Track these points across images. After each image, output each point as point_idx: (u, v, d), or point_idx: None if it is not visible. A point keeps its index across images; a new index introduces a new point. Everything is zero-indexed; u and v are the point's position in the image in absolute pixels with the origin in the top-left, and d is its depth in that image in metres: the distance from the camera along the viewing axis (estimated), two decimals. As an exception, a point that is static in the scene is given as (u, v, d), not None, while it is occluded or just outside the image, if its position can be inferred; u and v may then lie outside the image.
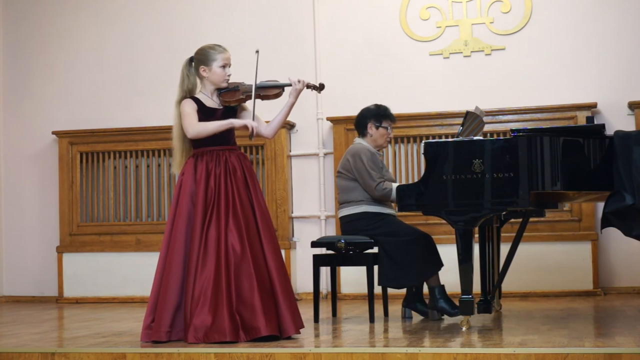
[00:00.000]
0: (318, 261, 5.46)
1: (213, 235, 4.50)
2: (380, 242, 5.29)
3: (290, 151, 7.53)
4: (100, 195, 7.83)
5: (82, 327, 5.49)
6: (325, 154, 7.47)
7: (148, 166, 7.78)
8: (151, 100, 7.79)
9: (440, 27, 7.35)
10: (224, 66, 4.69)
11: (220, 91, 4.73)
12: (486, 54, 7.25)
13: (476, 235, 4.94)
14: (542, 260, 6.88)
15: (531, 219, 5.30)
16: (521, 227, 5.07)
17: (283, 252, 6.92)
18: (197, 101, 4.68)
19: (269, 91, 4.73)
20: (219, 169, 4.62)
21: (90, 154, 7.83)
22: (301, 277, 7.38)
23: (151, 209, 7.74)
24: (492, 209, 4.65)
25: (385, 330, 4.86)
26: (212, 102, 4.71)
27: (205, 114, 4.64)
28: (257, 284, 4.44)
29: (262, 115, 4.81)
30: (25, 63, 8.12)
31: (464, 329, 4.66)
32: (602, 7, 7.09)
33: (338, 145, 7.32)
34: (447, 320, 5.23)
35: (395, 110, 5.65)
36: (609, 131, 4.87)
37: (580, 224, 6.93)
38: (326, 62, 7.52)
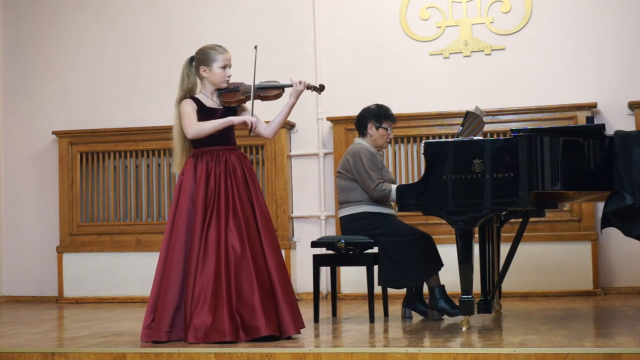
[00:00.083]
0: (318, 261, 5.46)
1: (213, 235, 4.50)
2: (380, 242, 5.29)
3: (290, 151, 7.53)
4: (100, 195, 7.83)
5: (82, 327, 5.49)
6: (325, 154, 7.47)
7: (148, 166, 7.78)
8: (151, 100, 7.79)
9: (440, 27, 7.35)
10: (224, 67, 4.69)
11: (220, 91, 4.73)
12: (486, 54, 7.25)
13: (476, 235, 4.94)
14: (542, 260, 6.88)
15: (531, 219, 5.30)
16: (521, 227, 5.07)
17: (283, 252, 6.92)
18: (197, 101, 4.68)
19: (269, 92, 4.73)
20: (219, 168, 4.62)
21: (90, 154, 7.83)
22: (301, 277, 7.38)
23: (151, 209, 7.74)
24: (492, 209, 4.65)
25: (385, 330, 4.86)
26: (212, 102, 4.71)
27: (205, 114, 4.64)
28: (257, 284, 4.44)
29: (262, 115, 4.81)
30: (25, 63, 8.12)
31: (464, 329, 4.66)
32: (602, 7, 7.09)
33: (338, 145, 7.32)
34: (447, 320, 5.23)
35: (395, 110, 5.65)
36: (609, 131, 4.87)
37: (580, 224, 6.93)
38: (326, 62, 7.52)
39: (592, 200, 5.52)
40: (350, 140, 7.14)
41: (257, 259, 4.52)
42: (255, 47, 4.69)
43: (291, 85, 4.72)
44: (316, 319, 5.35)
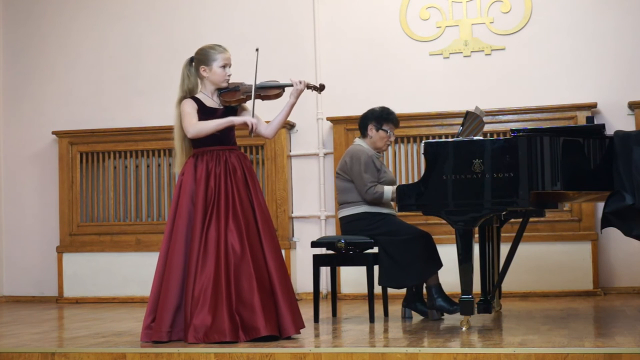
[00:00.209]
0: (318, 261, 5.46)
1: (213, 235, 4.50)
2: (380, 242, 5.29)
3: (290, 151, 7.53)
4: (100, 195, 7.83)
5: (82, 327, 5.49)
6: (325, 154, 7.47)
7: (148, 166, 7.78)
8: (151, 100, 7.79)
9: (440, 27, 7.35)
10: (224, 66, 4.69)
11: (221, 91, 4.73)
12: (486, 54, 7.25)
13: (476, 235, 4.94)
14: (542, 260, 6.88)
15: (531, 219, 5.30)
16: (521, 227, 5.07)
17: (283, 252, 6.91)
18: (198, 101, 4.68)
19: (270, 91, 4.73)
20: (219, 168, 4.62)
21: (90, 154, 7.83)
22: (301, 277, 7.38)
23: (151, 209, 7.74)
24: (492, 209, 4.65)
25: (385, 330, 4.86)
26: (212, 102, 4.72)
27: (205, 113, 4.64)
28: (257, 284, 4.44)
29: (262, 115, 4.81)
30: (25, 63, 8.12)
31: (464, 329, 4.66)
32: (602, 7, 7.09)
33: (338, 145, 7.32)
34: (447, 320, 5.23)
35: (395, 110, 5.64)
36: (609, 131, 4.87)
37: (580, 224, 6.93)
38: (326, 62, 7.52)
39: (592, 200, 5.52)
40: (350, 140, 7.14)
41: (257, 259, 4.52)
42: (257, 49, 4.69)
43: (291, 85, 4.72)
44: (316, 319, 5.35)
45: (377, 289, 5.35)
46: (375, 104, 5.68)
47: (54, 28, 8.08)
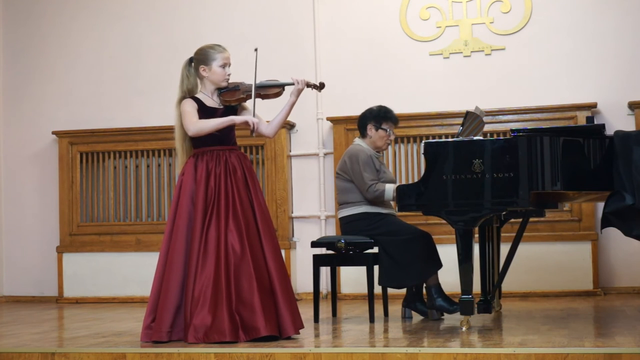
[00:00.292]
0: (318, 261, 5.46)
1: (213, 235, 4.50)
2: (381, 242, 5.29)
3: (290, 151, 7.53)
4: (100, 195, 7.83)
5: (82, 327, 5.49)
6: (325, 154, 7.47)
7: (148, 166, 7.78)
8: (151, 100, 7.79)
9: (440, 27, 7.35)
10: (223, 65, 4.69)
11: (221, 91, 4.73)
12: (486, 54, 7.25)
13: (476, 235, 4.94)
14: (542, 260, 6.88)
15: (531, 219, 5.30)
16: (521, 227, 5.07)
17: (283, 252, 6.92)
18: (198, 101, 4.68)
19: (270, 90, 4.73)
20: (219, 168, 4.62)
21: (90, 154, 7.83)
22: (301, 277, 7.38)
23: (151, 209, 7.74)
24: (492, 209, 4.65)
25: (385, 330, 4.86)
26: (212, 101, 4.72)
27: (205, 113, 4.64)
28: (256, 284, 4.44)
29: (262, 114, 4.80)
30: (25, 63, 8.12)
31: (464, 329, 4.66)
32: (602, 7, 7.09)
33: (338, 145, 7.32)
34: (447, 320, 5.23)
35: (395, 110, 5.65)
36: (609, 131, 4.87)
37: (580, 224, 6.93)
38: (326, 62, 7.52)
39: (592, 200, 5.52)
40: (350, 140, 7.15)
41: (257, 259, 4.52)
42: (256, 49, 4.69)
43: (291, 84, 4.73)
44: (316, 319, 5.35)
45: (377, 289, 5.35)
46: (375, 104, 5.68)
47: (54, 28, 8.08)
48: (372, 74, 7.44)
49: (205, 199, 4.57)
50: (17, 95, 8.12)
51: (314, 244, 5.51)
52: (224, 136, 4.67)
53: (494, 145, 4.64)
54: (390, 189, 5.28)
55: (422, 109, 7.26)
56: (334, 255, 5.44)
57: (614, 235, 6.51)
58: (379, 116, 5.51)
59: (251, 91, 4.65)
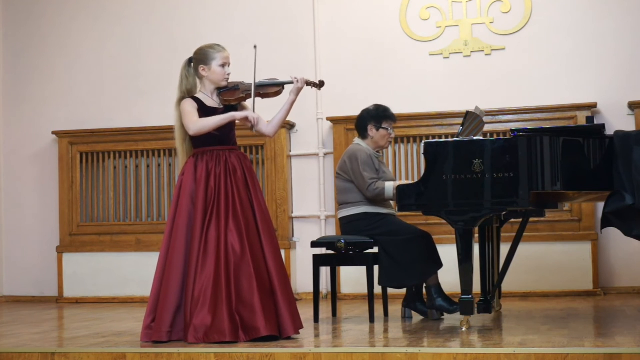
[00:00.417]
0: (318, 261, 5.46)
1: (213, 235, 4.50)
2: (381, 242, 5.29)
3: (290, 151, 7.53)
4: (100, 195, 7.83)
5: (82, 327, 5.49)
6: (325, 154, 7.47)
7: (148, 166, 7.78)
8: (151, 100, 7.79)
9: (440, 27, 7.35)
10: (223, 65, 4.69)
11: (220, 90, 4.73)
12: (486, 54, 7.25)
13: (476, 235, 4.94)
14: (542, 260, 6.88)
15: (531, 219, 5.30)
16: (521, 227, 5.06)
17: (283, 252, 6.93)
18: (197, 100, 4.68)
19: (269, 89, 4.73)
20: (219, 168, 4.62)
21: (90, 154, 7.83)
22: (301, 277, 7.38)
23: (151, 209, 7.74)
24: (492, 209, 4.65)
25: (385, 330, 4.86)
26: (212, 101, 4.72)
27: (205, 113, 4.64)
28: (256, 284, 4.44)
29: (262, 113, 4.80)
30: (25, 63, 8.12)
31: (464, 329, 4.66)
32: (602, 8, 7.09)
33: (338, 145, 7.32)
34: (447, 320, 5.22)
35: (395, 110, 5.65)
36: (609, 131, 4.87)
37: (580, 224, 6.93)
38: (326, 62, 7.52)
39: (592, 200, 5.52)
40: (350, 140, 7.14)
41: (257, 259, 4.52)
42: (255, 46, 4.69)
43: (291, 83, 4.73)
44: (316, 319, 5.35)
45: (377, 289, 5.35)
46: (375, 103, 5.67)
47: (54, 28, 8.08)
48: (372, 74, 7.44)
49: (205, 199, 4.57)
50: (17, 95, 8.12)
51: (314, 244, 5.51)
52: (224, 136, 4.67)
53: (494, 145, 4.64)
54: (390, 186, 5.28)
55: (422, 109, 7.26)
56: (334, 255, 5.44)
57: (614, 235, 6.51)
58: (379, 116, 5.51)
59: (251, 90, 4.65)
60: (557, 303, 6.21)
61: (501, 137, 5.61)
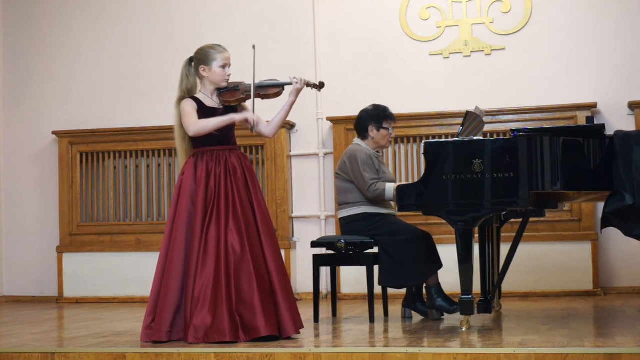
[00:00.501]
0: (318, 261, 5.46)
1: (213, 235, 4.50)
2: (381, 242, 5.29)
3: (290, 151, 7.53)
4: (100, 195, 7.83)
5: (82, 327, 5.49)
6: (325, 154, 7.47)
7: (148, 166, 7.78)
8: (151, 100, 7.79)
9: (440, 27, 7.35)
10: (223, 66, 4.69)
11: (220, 91, 4.73)
12: (486, 54, 7.25)
13: (476, 235, 4.94)
14: (542, 260, 6.88)
15: (531, 219, 5.30)
16: (521, 227, 5.06)
17: (283, 252, 6.93)
18: (197, 101, 4.68)
19: (269, 90, 4.73)
20: (219, 168, 4.62)
21: (90, 154, 7.83)
22: (301, 277, 7.38)
23: (151, 209, 7.74)
24: (492, 209, 4.65)
25: (385, 330, 4.86)
26: (212, 102, 4.72)
27: (205, 113, 4.64)
28: (257, 284, 4.44)
29: (262, 114, 4.80)
30: (25, 63, 8.12)
31: (464, 329, 4.66)
32: (602, 8, 7.09)
33: (338, 145, 7.32)
34: (447, 320, 5.22)
35: (395, 110, 5.65)
36: (609, 131, 4.87)
37: (580, 224, 6.93)
38: (326, 62, 7.52)
39: (592, 200, 5.52)
40: (350, 140, 7.14)
41: (257, 259, 4.52)
42: (254, 46, 4.69)
43: (291, 83, 4.73)
44: (316, 319, 5.35)
45: (377, 289, 5.35)
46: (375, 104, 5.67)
47: (54, 28, 8.08)
48: (372, 74, 7.44)
49: (205, 199, 4.57)
50: (17, 95, 8.12)
51: (314, 244, 5.51)
52: (224, 136, 4.67)
53: (494, 145, 4.64)
54: (390, 187, 5.28)
55: (422, 109, 7.26)
56: (334, 255, 5.44)
57: (614, 235, 6.51)
58: (379, 116, 5.50)
59: (251, 91, 4.65)
60: (557, 303, 6.21)
61: (501, 137, 5.62)
